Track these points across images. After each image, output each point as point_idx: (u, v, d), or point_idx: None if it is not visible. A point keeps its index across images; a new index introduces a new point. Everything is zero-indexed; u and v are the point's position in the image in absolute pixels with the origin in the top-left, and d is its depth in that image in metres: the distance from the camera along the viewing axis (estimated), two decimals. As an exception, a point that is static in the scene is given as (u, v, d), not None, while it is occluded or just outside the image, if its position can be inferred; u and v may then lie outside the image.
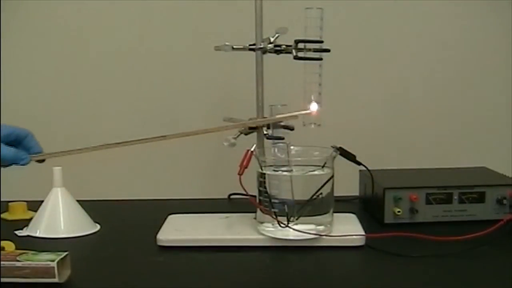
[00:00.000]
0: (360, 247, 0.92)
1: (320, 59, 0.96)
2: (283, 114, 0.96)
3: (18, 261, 0.78)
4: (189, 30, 1.28)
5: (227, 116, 1.03)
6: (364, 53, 1.31)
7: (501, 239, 0.90)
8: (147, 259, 0.89)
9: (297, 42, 0.96)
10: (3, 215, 1.12)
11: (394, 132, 1.34)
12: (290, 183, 0.92)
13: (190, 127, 1.32)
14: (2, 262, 0.78)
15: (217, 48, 0.99)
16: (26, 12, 1.28)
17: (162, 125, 1.32)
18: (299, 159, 0.97)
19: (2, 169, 0.87)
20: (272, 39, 0.98)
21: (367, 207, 1.13)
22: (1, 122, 0.84)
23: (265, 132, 0.98)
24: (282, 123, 0.97)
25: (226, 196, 1.25)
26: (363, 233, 0.94)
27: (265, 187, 0.93)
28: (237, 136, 0.98)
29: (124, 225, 1.08)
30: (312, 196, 0.91)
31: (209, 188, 1.33)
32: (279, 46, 0.98)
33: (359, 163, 1.02)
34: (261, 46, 0.98)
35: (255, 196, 0.95)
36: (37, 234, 1.00)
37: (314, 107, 0.96)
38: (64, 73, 1.30)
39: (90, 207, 1.06)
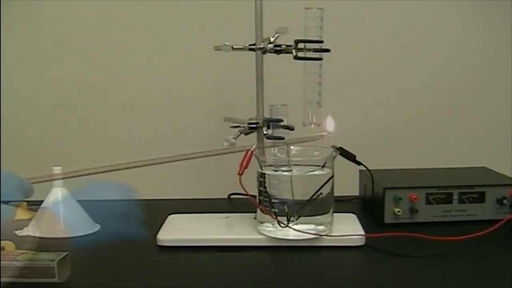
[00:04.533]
0: (360, 247, 0.92)
1: (320, 59, 0.96)
2: (283, 114, 0.97)
3: (18, 261, 0.78)
4: (189, 30, 1.28)
5: (227, 116, 1.03)
6: (364, 53, 1.31)
7: (501, 239, 0.90)
8: (147, 259, 0.89)
9: (297, 42, 0.96)
10: (3, 215, 1.12)
11: (394, 132, 1.34)
12: (290, 183, 0.92)
13: (190, 127, 1.33)
14: (2, 262, 0.78)
15: (217, 48, 0.99)
16: (25, 11, 1.28)
17: (161, 125, 1.32)
18: (299, 159, 0.97)
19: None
20: (272, 39, 0.98)
21: (367, 207, 1.13)
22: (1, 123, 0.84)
23: (265, 132, 0.98)
24: (282, 123, 0.97)
25: (226, 196, 1.24)
26: (363, 233, 0.94)
27: (265, 187, 0.93)
28: (237, 136, 0.97)
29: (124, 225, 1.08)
30: (312, 196, 0.91)
31: (209, 188, 1.33)
32: (279, 46, 0.98)
33: (359, 163, 1.02)
34: (261, 46, 0.98)
35: (255, 196, 0.95)
36: (37, 234, 1.00)
37: (330, 125, 0.91)
38: (64, 72, 1.30)
39: (90, 207, 1.06)
